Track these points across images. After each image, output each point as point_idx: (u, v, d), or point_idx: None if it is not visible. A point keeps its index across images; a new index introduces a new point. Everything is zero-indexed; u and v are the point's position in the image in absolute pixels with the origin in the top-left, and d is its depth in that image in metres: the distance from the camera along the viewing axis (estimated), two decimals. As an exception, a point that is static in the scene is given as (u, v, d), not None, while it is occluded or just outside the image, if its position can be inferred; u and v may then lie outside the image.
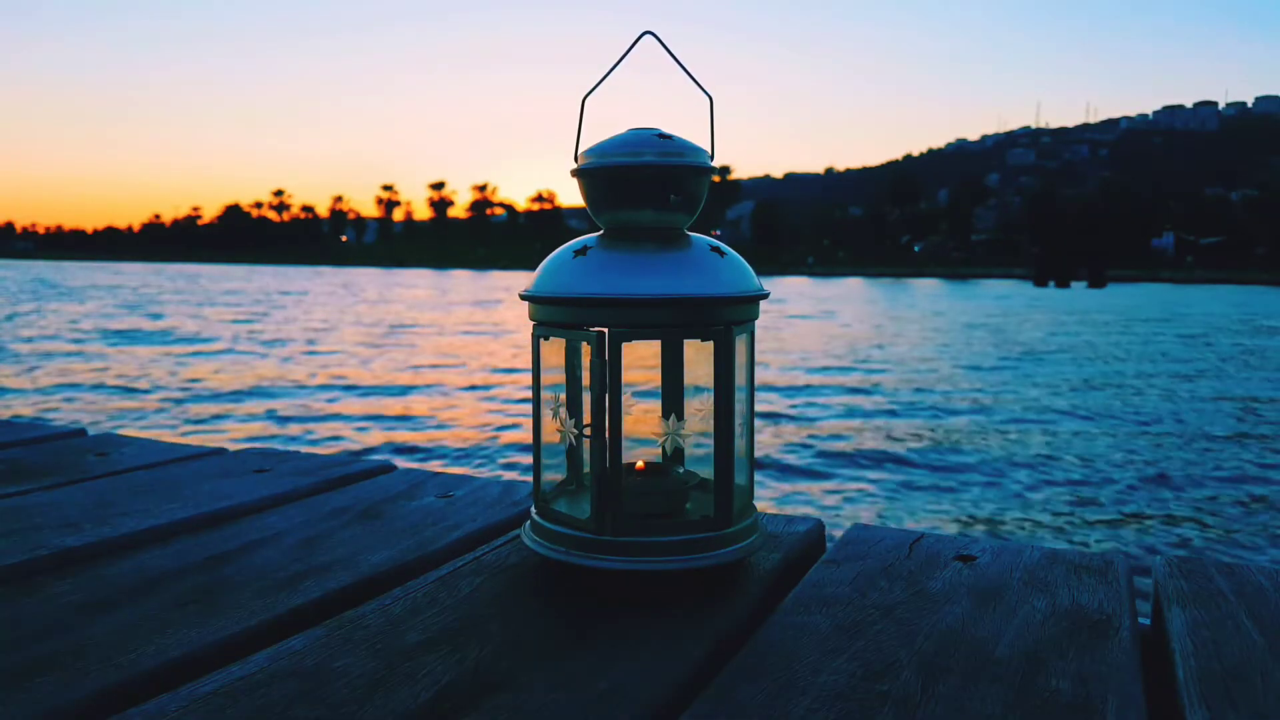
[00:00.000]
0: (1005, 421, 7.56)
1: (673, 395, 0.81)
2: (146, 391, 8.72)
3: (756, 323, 0.74)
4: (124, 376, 9.61)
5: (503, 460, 5.95)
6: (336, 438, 6.60)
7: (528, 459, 4.91)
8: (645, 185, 0.72)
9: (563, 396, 0.77)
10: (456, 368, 10.87)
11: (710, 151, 0.74)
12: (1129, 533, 4.49)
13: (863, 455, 6.14)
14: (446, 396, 8.58)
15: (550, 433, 0.76)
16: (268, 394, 8.65)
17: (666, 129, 0.73)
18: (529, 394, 0.77)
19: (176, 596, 0.68)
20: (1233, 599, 0.69)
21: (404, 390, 9.01)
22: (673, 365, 0.81)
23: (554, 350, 0.77)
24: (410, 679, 0.55)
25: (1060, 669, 0.57)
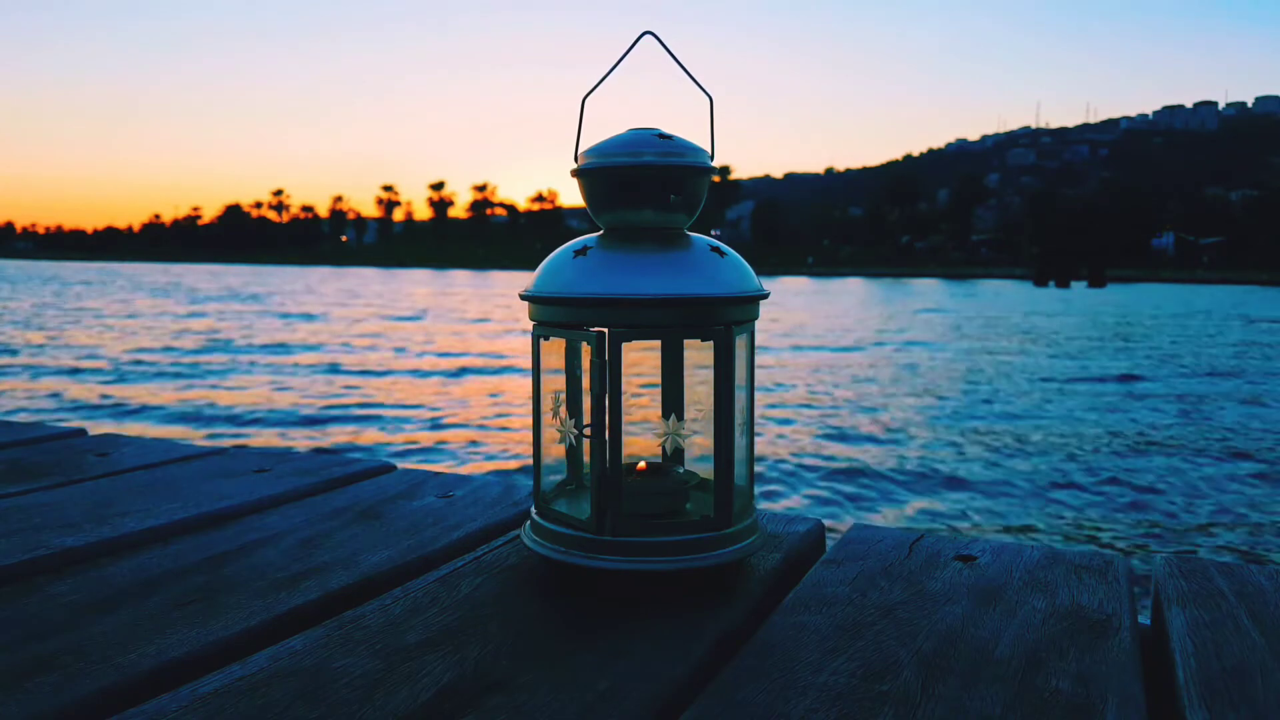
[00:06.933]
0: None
1: (673, 395, 0.81)
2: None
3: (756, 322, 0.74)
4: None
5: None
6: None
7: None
8: (645, 185, 0.72)
9: (563, 396, 0.77)
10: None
11: (710, 151, 0.74)
12: (1128, 532, 4.49)
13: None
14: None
15: (550, 433, 0.76)
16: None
17: (666, 129, 0.73)
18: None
19: (176, 596, 0.68)
20: (1233, 599, 0.69)
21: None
22: (673, 365, 0.81)
23: (554, 350, 0.77)
24: (410, 679, 0.55)
25: (1060, 669, 0.57)
